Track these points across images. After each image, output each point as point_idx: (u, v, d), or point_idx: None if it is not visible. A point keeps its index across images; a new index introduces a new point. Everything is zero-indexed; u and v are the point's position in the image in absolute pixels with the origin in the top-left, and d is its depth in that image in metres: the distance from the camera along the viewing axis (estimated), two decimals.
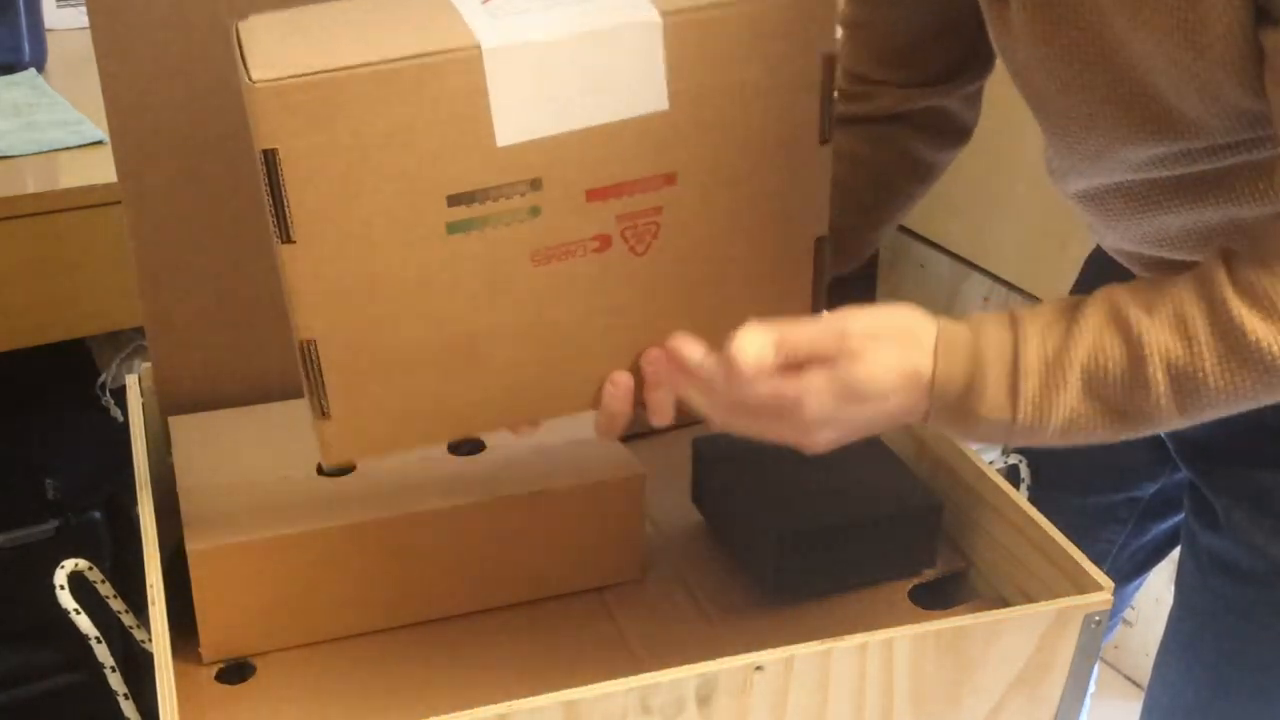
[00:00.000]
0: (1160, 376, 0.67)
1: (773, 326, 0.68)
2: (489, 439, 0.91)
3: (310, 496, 0.84)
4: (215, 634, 0.81)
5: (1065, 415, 0.68)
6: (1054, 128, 0.81)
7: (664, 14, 0.69)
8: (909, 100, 0.92)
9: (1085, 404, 0.68)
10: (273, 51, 0.68)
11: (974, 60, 0.93)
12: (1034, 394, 0.68)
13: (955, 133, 0.96)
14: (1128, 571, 1.08)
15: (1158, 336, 0.67)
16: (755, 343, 0.67)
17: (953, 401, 0.69)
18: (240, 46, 0.69)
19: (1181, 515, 1.01)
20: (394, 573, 0.84)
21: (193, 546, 0.79)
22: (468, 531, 0.84)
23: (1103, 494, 1.04)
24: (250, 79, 0.66)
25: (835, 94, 0.90)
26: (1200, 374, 0.67)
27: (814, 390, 0.68)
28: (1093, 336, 0.68)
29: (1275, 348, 0.66)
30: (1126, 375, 0.67)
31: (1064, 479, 1.02)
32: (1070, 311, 0.69)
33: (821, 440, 0.71)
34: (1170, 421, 0.69)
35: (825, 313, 0.68)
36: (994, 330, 0.69)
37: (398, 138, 0.67)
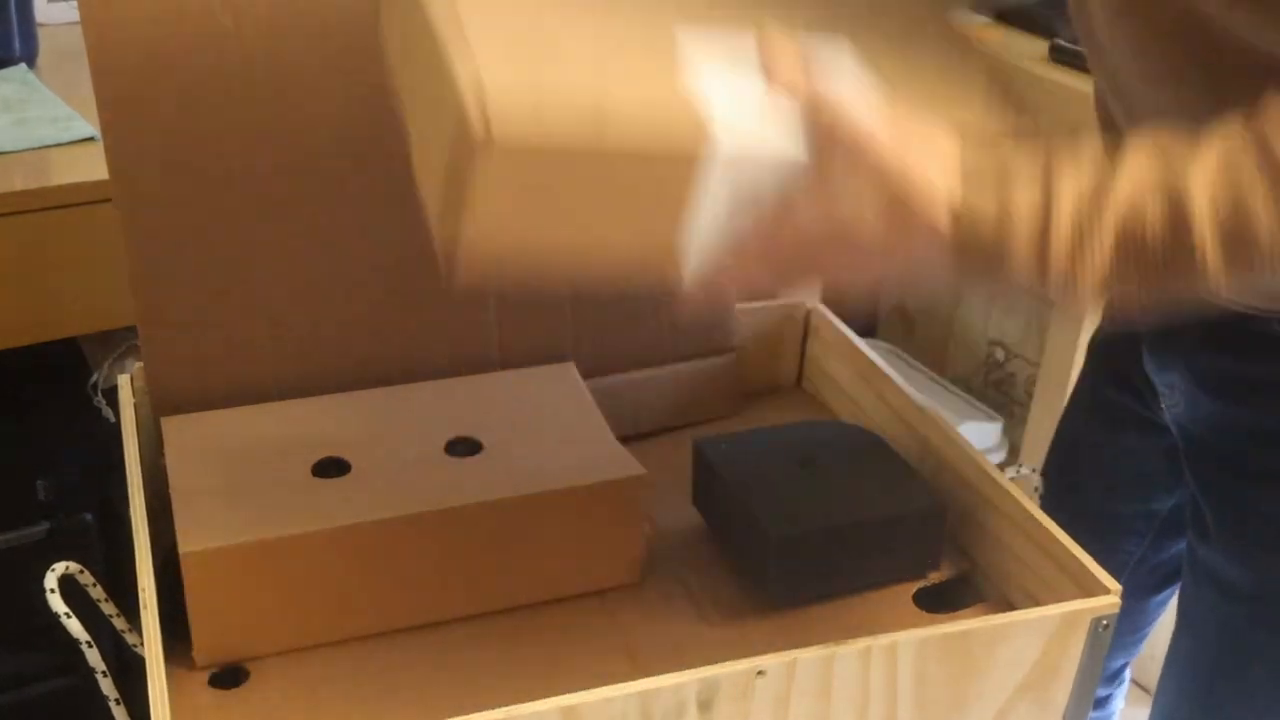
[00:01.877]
0: (1207, 232, 0.61)
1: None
2: (486, 440, 0.90)
3: (305, 498, 0.83)
4: (208, 638, 0.80)
5: (1097, 280, 0.63)
6: None
7: None
8: None
9: (1120, 267, 0.63)
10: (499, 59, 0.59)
11: None
12: (1063, 258, 0.63)
13: None
14: (1149, 586, 1.07)
15: (1203, 187, 0.61)
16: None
17: (976, 248, 0.64)
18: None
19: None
20: (390, 576, 0.83)
21: (185, 549, 0.78)
22: (466, 534, 0.84)
23: (1121, 504, 1.03)
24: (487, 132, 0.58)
25: None
26: (1251, 224, 0.61)
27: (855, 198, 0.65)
28: (1131, 192, 0.62)
29: None
30: (1167, 236, 0.62)
31: (1082, 487, 1.02)
32: (1105, 166, 0.64)
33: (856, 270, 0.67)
34: (1220, 285, 0.63)
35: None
36: (1025, 190, 0.64)
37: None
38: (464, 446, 0.90)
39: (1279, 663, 0.89)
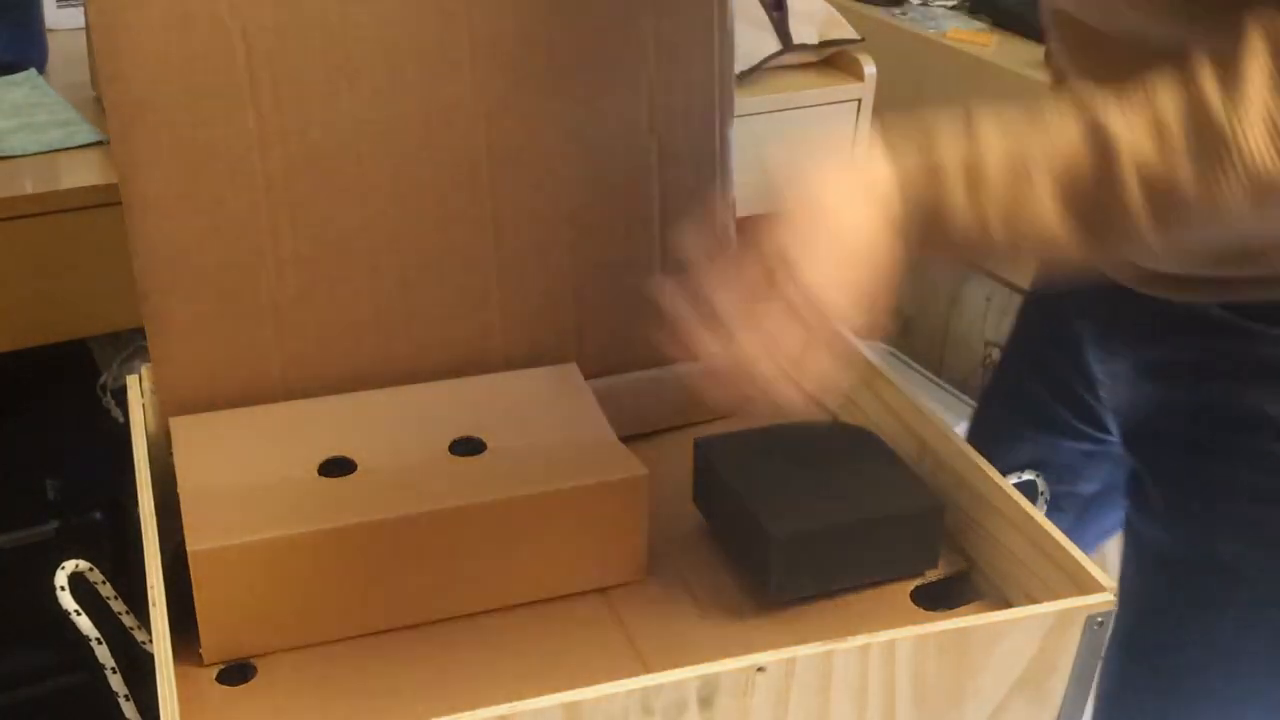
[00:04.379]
0: (1132, 181, 0.62)
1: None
2: (490, 440, 0.91)
3: (312, 497, 0.84)
4: (216, 635, 0.81)
5: (1036, 223, 0.64)
6: None
7: None
8: None
9: (1056, 211, 0.63)
10: None
11: None
12: (1000, 199, 0.63)
13: None
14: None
15: (1129, 136, 0.62)
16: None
17: (916, 208, 0.66)
18: None
19: (1121, 513, 1.03)
20: (395, 574, 0.84)
21: (194, 547, 0.79)
22: (469, 532, 0.84)
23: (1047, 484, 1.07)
24: None
25: None
26: (1176, 179, 0.61)
27: (777, 239, 0.68)
28: (1059, 135, 0.63)
29: (1263, 153, 0.60)
30: (1096, 180, 0.62)
31: (1011, 469, 1.05)
32: (1033, 112, 0.65)
33: (824, 286, 0.68)
34: (1149, 239, 0.63)
35: None
36: (949, 140, 0.65)
37: None
38: (468, 446, 0.91)
39: (1212, 633, 0.91)
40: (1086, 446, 1.01)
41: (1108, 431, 0.98)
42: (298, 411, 0.94)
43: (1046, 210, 0.64)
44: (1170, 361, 0.87)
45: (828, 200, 0.67)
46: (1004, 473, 1.03)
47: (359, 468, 0.88)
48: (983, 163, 0.64)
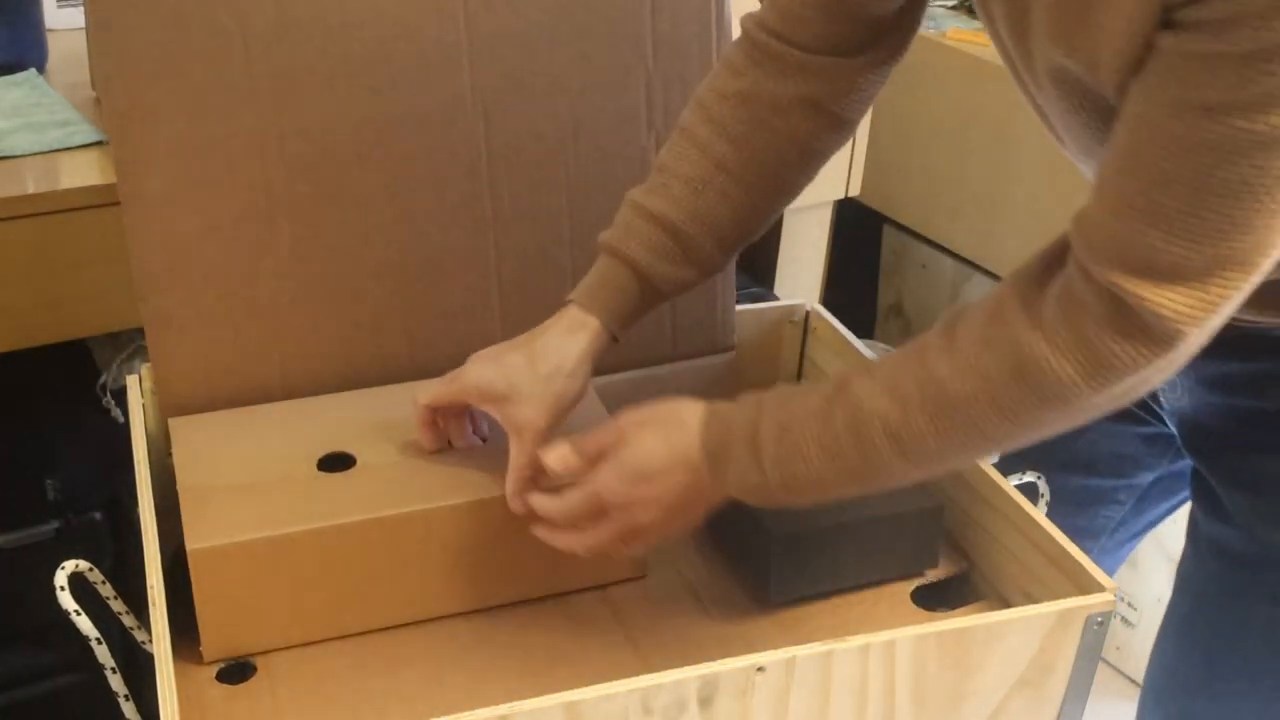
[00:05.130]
0: (881, 440, 0.73)
1: (570, 437, 0.81)
2: (491, 437, 0.91)
3: (311, 496, 0.84)
4: (216, 634, 0.81)
5: (810, 477, 0.75)
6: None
7: None
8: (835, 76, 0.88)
9: (825, 466, 0.74)
10: None
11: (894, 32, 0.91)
12: (774, 459, 0.75)
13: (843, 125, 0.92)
14: (1120, 540, 1.12)
15: (875, 404, 0.73)
16: (556, 449, 0.81)
17: (720, 472, 0.77)
18: None
19: (1177, 498, 1.05)
20: (395, 572, 0.84)
21: (193, 546, 0.79)
22: (469, 530, 0.84)
23: (1104, 478, 1.08)
24: None
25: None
26: (917, 434, 0.72)
27: (602, 479, 0.78)
28: (820, 406, 0.74)
29: (981, 405, 0.71)
30: (852, 441, 0.73)
31: (1068, 461, 1.05)
32: (806, 388, 0.78)
33: (645, 524, 0.79)
34: (909, 475, 0.75)
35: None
36: (741, 410, 0.77)
37: None
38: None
39: (1274, 628, 0.92)
40: (1148, 430, 1.03)
41: (1165, 425, 1.01)
42: (297, 410, 0.94)
43: (818, 466, 0.75)
44: (1232, 374, 0.90)
45: (645, 466, 0.78)
46: (1066, 463, 1.03)
47: (358, 465, 0.88)
48: (760, 428, 0.76)
